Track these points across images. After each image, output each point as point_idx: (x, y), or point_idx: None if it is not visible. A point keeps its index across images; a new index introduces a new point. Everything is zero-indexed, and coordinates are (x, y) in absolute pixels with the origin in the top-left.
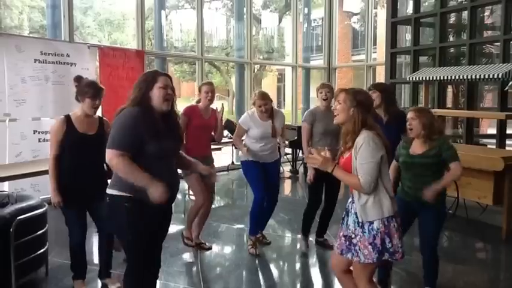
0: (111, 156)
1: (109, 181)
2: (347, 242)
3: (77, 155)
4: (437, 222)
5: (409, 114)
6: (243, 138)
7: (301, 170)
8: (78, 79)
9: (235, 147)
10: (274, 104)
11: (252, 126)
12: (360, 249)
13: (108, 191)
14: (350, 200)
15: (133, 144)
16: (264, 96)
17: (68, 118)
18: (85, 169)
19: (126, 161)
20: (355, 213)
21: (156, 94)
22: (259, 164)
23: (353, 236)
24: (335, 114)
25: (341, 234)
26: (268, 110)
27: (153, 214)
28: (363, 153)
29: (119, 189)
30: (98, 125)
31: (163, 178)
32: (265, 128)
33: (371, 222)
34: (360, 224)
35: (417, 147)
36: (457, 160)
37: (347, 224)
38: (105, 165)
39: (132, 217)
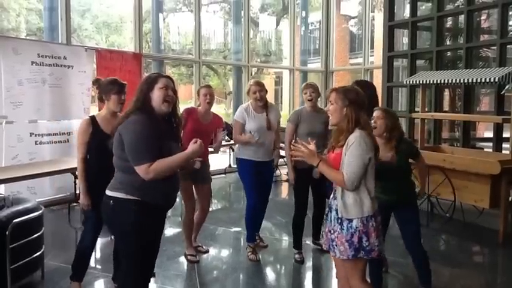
0: (144, 172)
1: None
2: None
3: (103, 156)
4: (416, 219)
5: (376, 113)
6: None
7: (290, 181)
8: (97, 81)
9: (233, 150)
10: None
11: (247, 119)
12: (336, 245)
13: (112, 193)
14: (332, 196)
15: (156, 150)
16: (259, 83)
17: (93, 119)
18: (111, 170)
19: (158, 165)
20: (336, 210)
21: (156, 94)
22: (254, 165)
23: (332, 231)
24: (329, 115)
25: (326, 230)
26: (263, 97)
27: (157, 216)
28: (352, 152)
29: (126, 192)
30: None
31: (167, 179)
32: (260, 120)
33: (350, 220)
34: (339, 221)
35: (384, 154)
36: (420, 153)
37: (330, 219)
38: None
39: (139, 221)
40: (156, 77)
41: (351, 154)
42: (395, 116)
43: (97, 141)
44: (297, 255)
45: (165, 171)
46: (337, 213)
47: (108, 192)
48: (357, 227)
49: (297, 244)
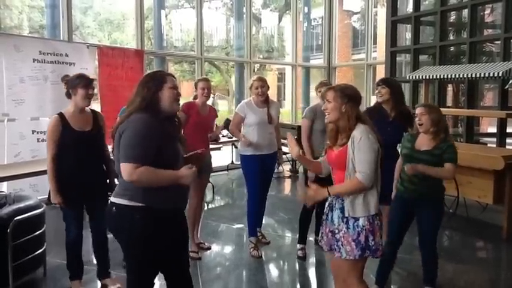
0: (128, 172)
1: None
2: (331, 237)
3: (75, 153)
4: (436, 219)
5: (419, 110)
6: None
7: (301, 169)
8: (65, 77)
9: (235, 147)
10: None
11: (249, 112)
12: (342, 245)
13: (115, 200)
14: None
15: (150, 155)
16: (262, 79)
17: (61, 116)
18: (85, 167)
19: (146, 171)
20: (340, 209)
21: (166, 94)
22: (258, 160)
23: (336, 231)
24: (326, 113)
25: (327, 230)
26: (264, 93)
27: (167, 222)
28: (363, 148)
29: (130, 198)
30: (93, 120)
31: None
32: (261, 114)
33: (356, 219)
34: (345, 220)
35: (423, 144)
36: (455, 163)
37: (332, 219)
38: (103, 165)
39: (145, 231)
40: (163, 76)
41: (362, 150)
42: (438, 109)
43: (67, 138)
44: (299, 251)
45: (149, 182)
46: (341, 212)
47: (111, 199)
48: (363, 226)
49: (302, 238)
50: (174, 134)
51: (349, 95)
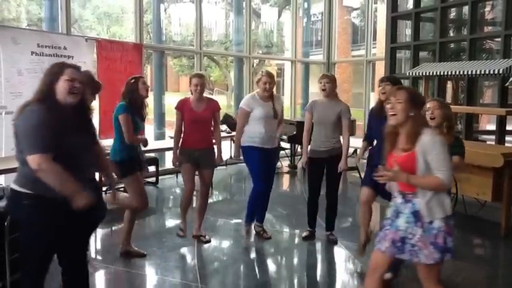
0: (36, 162)
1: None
2: (399, 244)
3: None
4: None
5: (431, 104)
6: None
7: (299, 165)
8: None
9: (234, 141)
10: None
11: (256, 106)
12: (419, 250)
13: (11, 184)
14: (400, 200)
15: (50, 144)
16: (270, 75)
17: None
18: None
19: (55, 166)
20: (412, 213)
21: (62, 87)
22: (261, 152)
23: (410, 236)
24: (392, 113)
25: (389, 237)
26: (271, 89)
27: (57, 213)
28: (440, 150)
29: (20, 184)
30: None
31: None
32: (267, 108)
33: (430, 221)
34: (419, 224)
35: None
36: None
37: (397, 226)
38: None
39: (30, 216)
40: (62, 67)
41: (440, 153)
42: (449, 105)
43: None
44: (305, 232)
45: (54, 180)
46: (414, 216)
47: (11, 184)
48: (439, 227)
49: (310, 223)
50: (78, 127)
51: (419, 102)
